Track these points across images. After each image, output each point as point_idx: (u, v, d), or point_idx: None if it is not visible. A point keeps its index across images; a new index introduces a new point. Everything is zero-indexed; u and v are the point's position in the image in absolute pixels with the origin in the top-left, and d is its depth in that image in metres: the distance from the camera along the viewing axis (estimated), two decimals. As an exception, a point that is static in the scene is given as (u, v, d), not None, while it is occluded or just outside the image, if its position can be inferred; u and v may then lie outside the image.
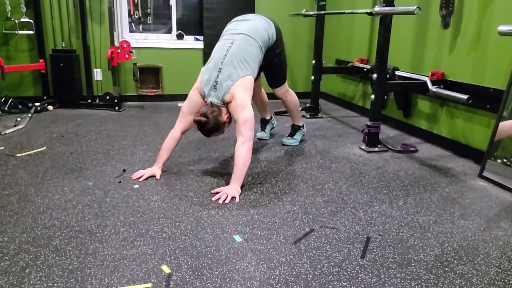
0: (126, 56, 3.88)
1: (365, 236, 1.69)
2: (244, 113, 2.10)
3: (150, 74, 4.39)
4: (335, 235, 1.70)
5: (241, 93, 2.13)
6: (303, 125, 3.05)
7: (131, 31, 4.38)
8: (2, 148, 2.70)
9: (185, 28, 4.50)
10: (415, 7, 2.34)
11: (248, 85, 2.19)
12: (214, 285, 1.34)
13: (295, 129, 3.02)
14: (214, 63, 2.21)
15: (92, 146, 2.81)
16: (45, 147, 2.74)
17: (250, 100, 2.18)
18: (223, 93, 2.14)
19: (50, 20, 3.94)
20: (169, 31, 4.49)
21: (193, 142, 2.95)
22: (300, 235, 1.69)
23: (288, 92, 2.81)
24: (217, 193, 2.05)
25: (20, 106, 3.77)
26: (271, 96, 2.92)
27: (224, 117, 2.16)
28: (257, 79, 2.80)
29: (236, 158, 2.09)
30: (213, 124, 2.11)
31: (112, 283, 1.34)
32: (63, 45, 4.01)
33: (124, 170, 2.36)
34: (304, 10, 3.88)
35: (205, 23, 4.35)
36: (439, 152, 2.90)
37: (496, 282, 1.41)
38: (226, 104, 2.17)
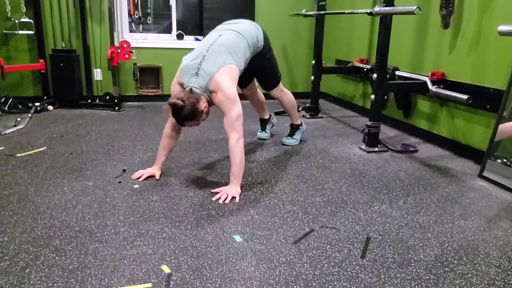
0: (126, 56, 3.88)
1: (365, 236, 1.69)
2: (236, 107, 2.02)
3: (150, 74, 4.39)
4: (335, 235, 1.70)
5: (228, 84, 2.02)
6: (301, 123, 3.04)
7: (131, 31, 4.38)
8: (2, 148, 2.70)
9: (185, 28, 4.50)
10: (415, 7, 2.35)
11: (234, 74, 2.10)
12: (214, 285, 1.34)
13: (294, 128, 3.01)
14: (198, 52, 2.12)
15: (92, 146, 2.81)
16: (45, 147, 2.74)
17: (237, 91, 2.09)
18: (206, 80, 2.02)
19: (50, 20, 3.93)
20: (169, 31, 4.49)
21: (193, 142, 2.95)
22: (300, 235, 1.69)
23: (283, 92, 2.82)
24: (217, 193, 2.05)
25: (20, 106, 3.76)
26: (269, 96, 2.91)
27: (202, 105, 2.01)
28: (250, 83, 2.81)
29: (232, 157, 2.06)
30: (189, 110, 1.95)
31: (112, 283, 1.34)
32: (63, 45, 4.01)
33: (124, 170, 2.36)
34: (304, 10, 3.88)
35: (205, 23, 4.35)
36: (439, 152, 2.90)
37: (496, 282, 1.41)
38: (210, 92, 2.06)
